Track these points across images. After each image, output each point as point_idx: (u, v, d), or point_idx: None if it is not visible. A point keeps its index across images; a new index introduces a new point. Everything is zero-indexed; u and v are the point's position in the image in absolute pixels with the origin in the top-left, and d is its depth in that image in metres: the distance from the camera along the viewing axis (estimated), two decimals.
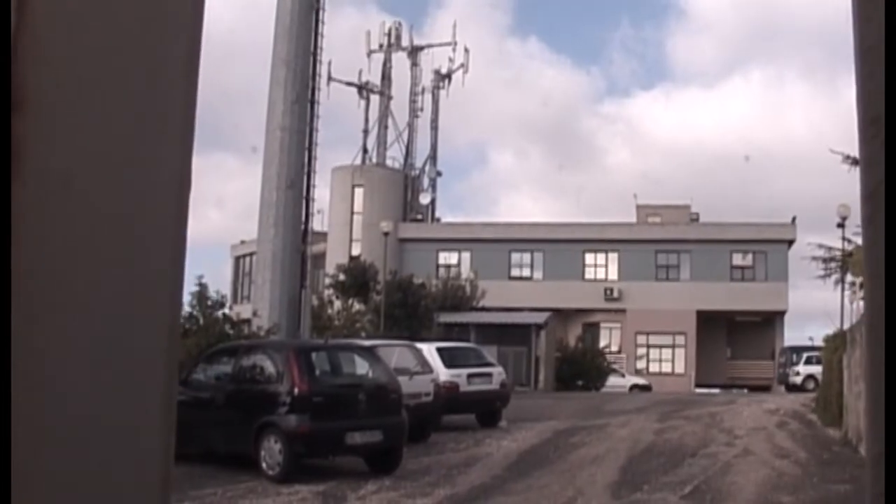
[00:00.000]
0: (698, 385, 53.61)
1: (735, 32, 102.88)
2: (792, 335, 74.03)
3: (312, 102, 32.99)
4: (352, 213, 57.88)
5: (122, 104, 1.16)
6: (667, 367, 55.91)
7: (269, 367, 15.47)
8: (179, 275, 1.19)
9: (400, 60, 62.20)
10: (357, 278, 43.41)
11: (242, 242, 59.16)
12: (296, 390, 14.53)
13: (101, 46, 1.16)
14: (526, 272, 58.35)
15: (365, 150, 61.32)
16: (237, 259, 65.28)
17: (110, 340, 1.13)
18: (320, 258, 53.22)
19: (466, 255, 57.57)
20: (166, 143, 1.19)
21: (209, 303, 27.59)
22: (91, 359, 1.13)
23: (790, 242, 55.38)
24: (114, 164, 1.15)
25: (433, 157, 62.54)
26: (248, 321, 30.03)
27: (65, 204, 1.12)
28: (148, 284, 1.14)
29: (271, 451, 14.47)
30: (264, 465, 14.52)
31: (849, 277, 28.29)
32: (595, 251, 57.59)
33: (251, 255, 50.82)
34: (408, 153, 61.59)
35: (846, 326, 24.08)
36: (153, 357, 1.15)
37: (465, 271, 51.85)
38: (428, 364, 21.14)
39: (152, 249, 1.15)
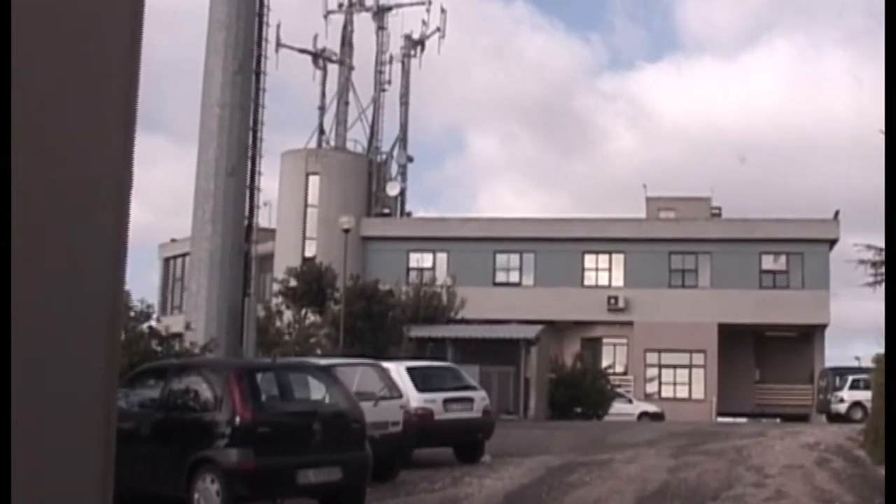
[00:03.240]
0: (721, 413, 53.79)
1: None
2: (834, 354, 74.51)
3: (258, 73, 32.85)
4: (305, 205, 57.79)
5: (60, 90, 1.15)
6: (682, 392, 56.08)
7: (205, 392, 15.39)
8: (120, 276, 1.19)
9: (363, 23, 62.28)
10: (311, 284, 43.31)
11: (173, 241, 59.08)
12: (237, 419, 14.45)
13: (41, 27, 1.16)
14: (513, 277, 58.41)
15: (321, 131, 61.26)
16: (166, 261, 65.12)
17: (44, 345, 1.13)
18: (267, 260, 53.06)
19: (442, 257, 57.58)
20: (106, 129, 1.18)
21: (132, 314, 27.42)
22: (24, 365, 1.14)
23: (832, 242, 55.64)
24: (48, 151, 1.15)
25: (403, 140, 62.52)
26: (179, 336, 29.87)
27: None
28: (85, 286, 1.14)
29: (207, 494, 14.39)
30: None
31: None
32: (596, 252, 57.73)
33: (183, 256, 50.64)
34: (372, 135, 61.52)
35: None
36: (90, 363, 1.15)
37: (441, 276, 51.81)
38: (396, 387, 21.08)
39: (91, 249, 1.15)
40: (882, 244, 33.06)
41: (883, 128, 10.39)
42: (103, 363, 1.25)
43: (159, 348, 27.35)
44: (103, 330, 1.24)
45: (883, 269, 32.44)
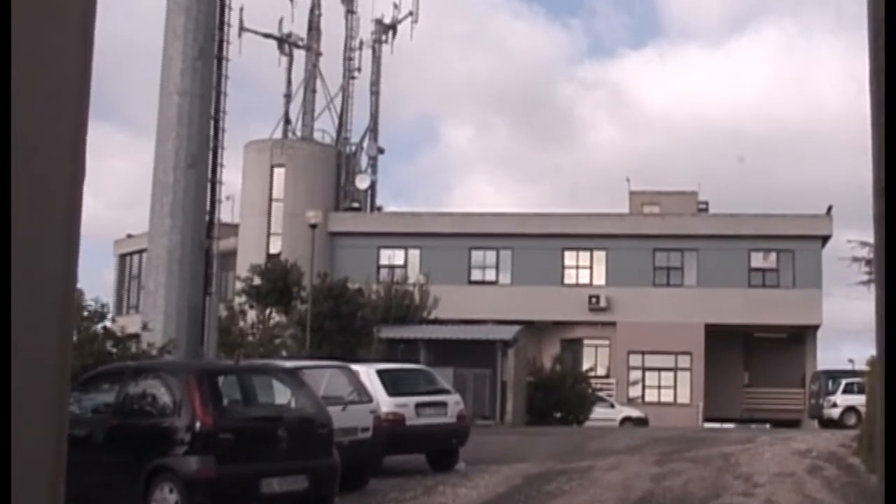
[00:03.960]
0: (708, 419, 53.97)
1: None
2: (827, 356, 74.89)
3: (220, 59, 32.78)
4: (270, 199, 57.70)
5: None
6: (667, 396, 56.23)
7: (164, 396, 15.34)
8: (71, 273, 1.18)
9: (332, 6, 62.15)
10: (276, 282, 43.23)
11: (129, 237, 58.97)
12: (197, 425, 14.41)
13: None
14: (490, 275, 58.45)
15: (287, 121, 61.15)
16: (122, 258, 64.95)
17: None
18: (230, 257, 52.95)
19: (415, 254, 57.59)
20: (56, 117, 1.17)
21: (85, 314, 27.34)
22: None
23: (825, 239, 55.87)
24: None
25: (373, 131, 62.48)
26: (136, 337, 29.79)
27: None
28: (34, 284, 1.13)
29: None
30: None
31: None
32: (577, 249, 57.81)
33: (140, 252, 50.51)
34: (341, 125, 61.48)
35: None
36: (40, 366, 1.14)
37: (414, 274, 51.82)
38: (366, 391, 21.05)
39: (40, 245, 1.14)
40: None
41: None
42: (54, 366, 1.23)
43: (114, 350, 27.26)
44: (54, 330, 1.22)
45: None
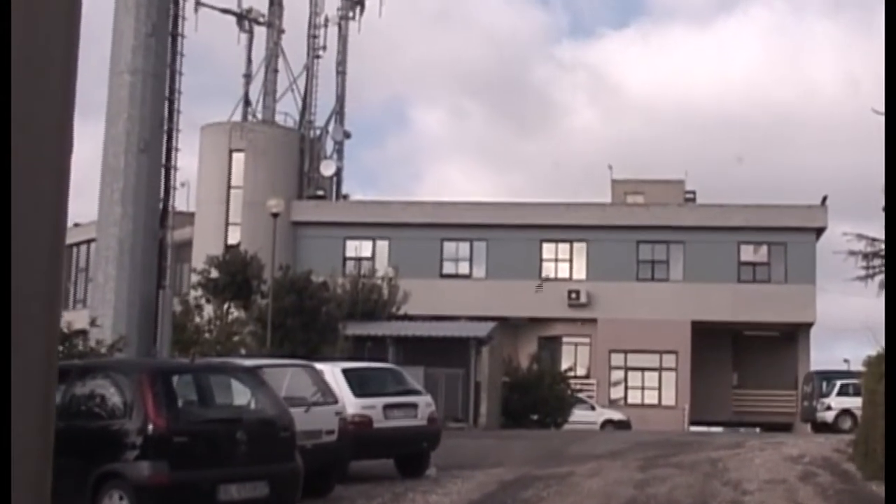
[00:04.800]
0: (694, 422, 54.14)
1: None
2: (821, 356, 75.24)
3: (174, 36, 32.67)
4: (228, 186, 57.61)
5: None
6: (651, 398, 56.40)
7: (114, 397, 15.29)
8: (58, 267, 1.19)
9: None
10: (235, 275, 43.13)
11: (76, 226, 58.55)
12: (150, 428, 14.36)
13: None
14: (463, 268, 58.52)
15: (247, 102, 61.04)
16: (69, 248, 64.64)
17: None
18: (185, 248, 52.84)
19: (383, 245, 57.61)
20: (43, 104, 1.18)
21: None
22: None
23: (819, 231, 56.11)
24: None
25: (339, 114, 62.46)
26: (83, 333, 29.68)
27: None
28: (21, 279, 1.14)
29: None
30: None
31: None
32: (555, 241, 57.93)
33: (88, 242, 50.27)
34: (305, 107, 61.41)
35: None
36: (29, 361, 1.15)
37: (382, 266, 51.81)
38: (331, 391, 21.04)
39: (28, 243, 1.14)
40: (875, 233, 33.34)
41: (879, 107, 10.48)
42: (44, 364, 1.24)
43: (60, 348, 27.15)
44: (41, 330, 1.23)
45: (875, 262, 32.72)
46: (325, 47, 61.85)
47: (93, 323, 30.09)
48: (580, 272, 57.84)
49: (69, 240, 62.38)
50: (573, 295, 56.80)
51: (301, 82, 61.52)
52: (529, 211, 57.66)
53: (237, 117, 60.20)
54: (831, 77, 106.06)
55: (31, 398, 1.20)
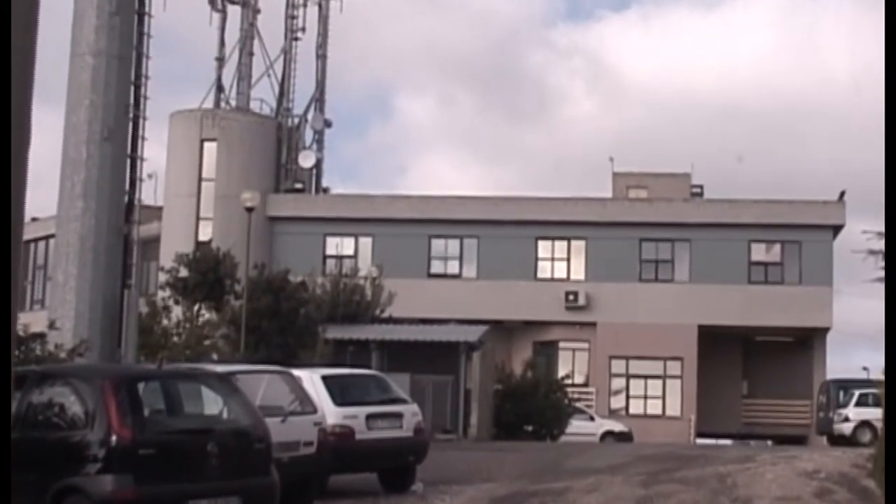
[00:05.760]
0: (701, 434, 54.19)
1: None
2: (838, 363, 75.22)
3: (141, 15, 32.61)
4: (199, 178, 57.56)
5: None
6: (655, 408, 56.45)
7: (74, 405, 15.25)
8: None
9: None
10: (206, 274, 43.10)
11: (34, 221, 58.50)
12: (114, 439, 14.32)
13: None
14: (452, 268, 58.54)
15: (220, 88, 60.99)
16: (26, 245, 64.56)
17: None
18: (152, 244, 52.80)
19: (366, 243, 57.64)
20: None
21: None
22: None
23: (836, 229, 56.15)
24: None
25: (319, 101, 62.45)
26: (41, 337, 29.65)
27: None
28: None
29: None
30: None
31: None
32: (552, 239, 57.97)
33: (47, 239, 50.22)
34: (282, 94, 61.40)
35: None
36: None
37: (365, 265, 51.84)
38: (309, 400, 21.02)
39: None
40: None
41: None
42: None
43: (16, 352, 27.08)
44: None
45: None
46: (304, 29, 61.88)
47: (52, 325, 30.05)
48: (578, 272, 57.87)
49: (26, 235, 62.44)
50: (571, 296, 56.82)
51: (278, 67, 61.58)
52: (524, 206, 57.66)
53: (209, 104, 60.18)
54: (848, 63, 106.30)
55: None
